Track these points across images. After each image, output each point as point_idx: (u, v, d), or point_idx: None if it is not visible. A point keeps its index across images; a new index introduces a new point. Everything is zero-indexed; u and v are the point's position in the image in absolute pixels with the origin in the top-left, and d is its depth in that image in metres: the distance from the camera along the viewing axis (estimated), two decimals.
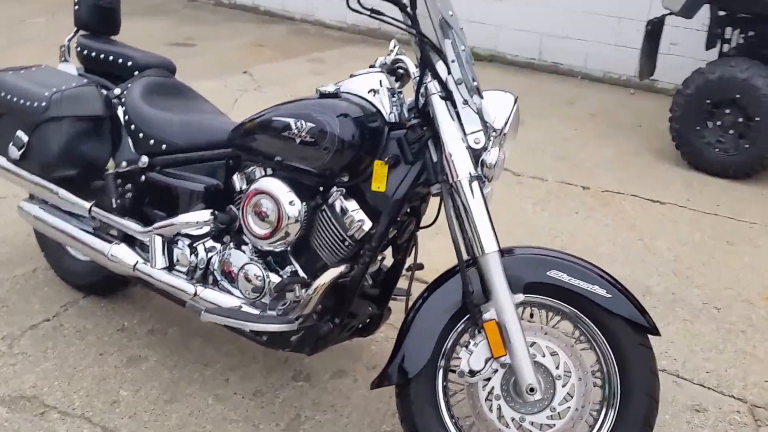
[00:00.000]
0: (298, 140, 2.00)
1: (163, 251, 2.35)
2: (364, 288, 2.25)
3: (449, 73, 1.92)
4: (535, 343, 1.92)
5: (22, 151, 2.39)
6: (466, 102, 1.92)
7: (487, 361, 1.88)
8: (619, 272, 3.21)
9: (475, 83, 1.96)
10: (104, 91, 2.49)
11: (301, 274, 2.15)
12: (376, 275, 2.30)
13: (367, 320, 2.29)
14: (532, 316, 2.05)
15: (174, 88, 2.59)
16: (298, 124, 2.01)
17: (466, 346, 1.90)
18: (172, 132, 2.37)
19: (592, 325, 1.93)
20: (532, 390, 1.86)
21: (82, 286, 2.82)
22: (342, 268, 2.07)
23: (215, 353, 2.56)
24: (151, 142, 2.37)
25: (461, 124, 1.91)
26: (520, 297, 1.90)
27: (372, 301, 2.27)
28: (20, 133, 2.38)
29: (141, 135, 2.39)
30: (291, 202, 2.06)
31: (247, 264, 2.18)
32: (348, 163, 2.01)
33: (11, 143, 2.41)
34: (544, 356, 1.92)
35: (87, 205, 2.49)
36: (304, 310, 2.07)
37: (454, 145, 1.91)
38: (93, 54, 2.61)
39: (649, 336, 1.93)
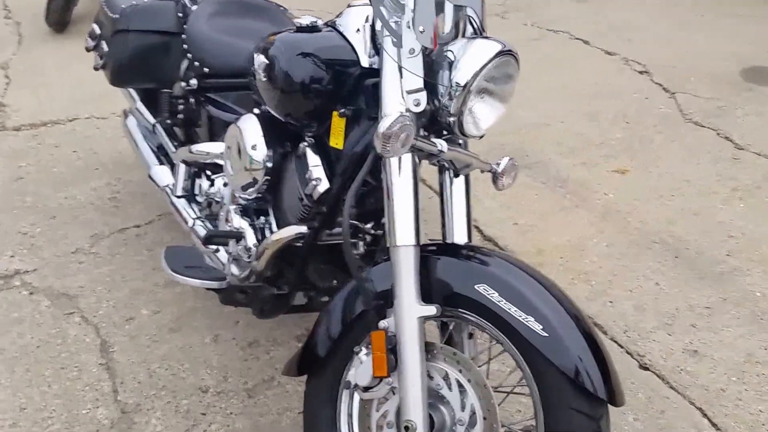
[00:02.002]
0: (257, 76, 1.79)
1: (186, 178, 2.31)
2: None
3: (402, 12, 1.49)
4: (445, 371, 1.49)
5: (102, 60, 2.49)
6: (413, 51, 1.49)
7: (376, 378, 1.51)
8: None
9: (443, 28, 1.53)
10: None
11: (274, 228, 1.96)
12: (372, 245, 1.98)
13: None
14: (471, 336, 1.61)
15: (254, 9, 2.45)
16: (258, 58, 1.78)
17: (358, 354, 1.54)
18: (214, 55, 2.25)
19: (526, 366, 1.44)
20: (407, 429, 1.44)
21: None
22: (300, 229, 1.82)
23: None
24: (196, 63, 2.29)
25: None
26: (432, 309, 1.47)
27: None
28: (103, 42, 2.48)
29: (190, 55, 2.32)
30: (254, 146, 1.87)
31: (229, 206, 2.04)
32: (308, 110, 1.74)
33: (97, 52, 2.53)
34: (450, 390, 1.49)
35: (153, 121, 2.54)
36: (257, 268, 1.89)
37: (390, 106, 1.50)
38: None
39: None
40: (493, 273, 1.48)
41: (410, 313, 1.46)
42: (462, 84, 1.48)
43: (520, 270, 1.51)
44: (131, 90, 2.66)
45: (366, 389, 1.52)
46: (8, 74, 4.03)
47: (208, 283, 1.95)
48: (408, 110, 1.49)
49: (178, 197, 2.30)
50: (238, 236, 1.93)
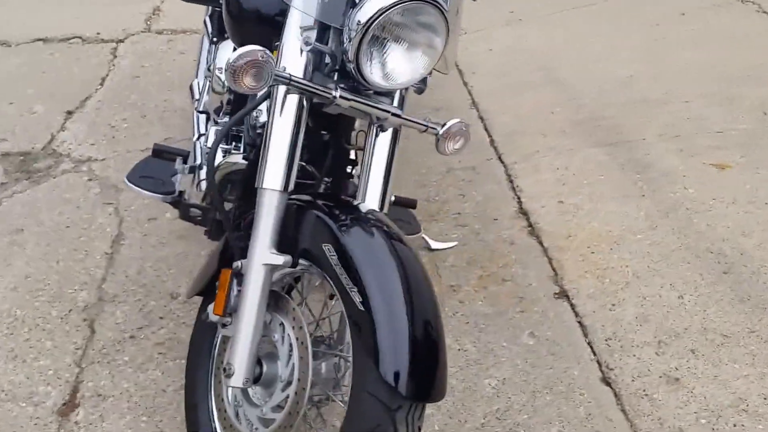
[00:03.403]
0: (222, 5, 1.73)
1: (208, 96, 2.32)
2: None
3: None
4: (282, 325, 1.40)
5: None
6: None
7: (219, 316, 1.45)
8: None
9: None
10: None
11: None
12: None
13: None
14: (332, 297, 1.49)
15: None
16: None
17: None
18: None
19: (348, 336, 1.33)
20: (225, 371, 1.37)
21: None
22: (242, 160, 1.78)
23: None
24: None
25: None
26: (280, 259, 1.36)
27: None
28: None
29: None
30: (220, 69, 1.86)
31: (211, 127, 2.03)
32: (254, 41, 1.63)
33: None
34: (282, 345, 1.39)
35: (211, 39, 2.56)
36: (210, 190, 1.87)
37: (288, 42, 1.40)
38: None
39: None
40: (343, 236, 1.32)
41: (259, 258, 1.37)
42: (362, 23, 1.30)
43: (380, 241, 1.33)
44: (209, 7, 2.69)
45: (223, 325, 1.47)
46: None
47: (153, 194, 1.96)
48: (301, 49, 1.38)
49: (199, 112, 2.32)
50: (185, 155, 1.91)
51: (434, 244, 2.27)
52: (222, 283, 1.42)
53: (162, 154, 1.99)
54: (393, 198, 1.89)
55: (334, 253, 1.29)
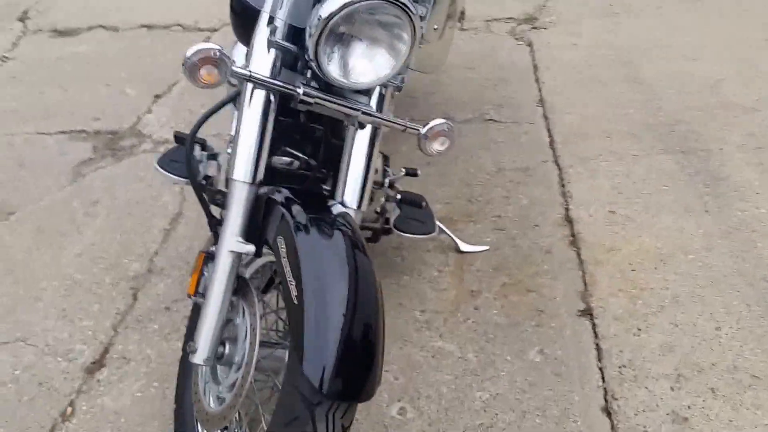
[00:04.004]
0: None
1: None
2: None
3: None
4: (244, 311, 1.45)
5: None
6: None
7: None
8: None
9: None
10: None
11: None
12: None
13: None
14: None
15: None
16: None
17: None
18: None
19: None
20: (189, 347, 1.43)
21: None
22: None
23: None
24: None
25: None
26: (244, 248, 1.39)
27: None
28: None
29: None
30: (233, 63, 1.87)
31: (235, 112, 2.06)
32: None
33: None
34: (241, 329, 1.44)
35: None
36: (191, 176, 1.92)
37: (257, 36, 1.43)
38: None
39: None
40: (296, 231, 1.31)
41: (226, 245, 1.42)
42: (322, 18, 1.28)
43: (334, 242, 1.30)
44: None
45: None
46: None
47: (179, 179, 2.01)
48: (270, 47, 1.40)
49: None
50: (203, 143, 1.94)
51: (463, 246, 2.18)
52: (196, 265, 1.47)
53: (183, 141, 2.04)
54: (399, 196, 1.84)
55: (284, 246, 1.29)
